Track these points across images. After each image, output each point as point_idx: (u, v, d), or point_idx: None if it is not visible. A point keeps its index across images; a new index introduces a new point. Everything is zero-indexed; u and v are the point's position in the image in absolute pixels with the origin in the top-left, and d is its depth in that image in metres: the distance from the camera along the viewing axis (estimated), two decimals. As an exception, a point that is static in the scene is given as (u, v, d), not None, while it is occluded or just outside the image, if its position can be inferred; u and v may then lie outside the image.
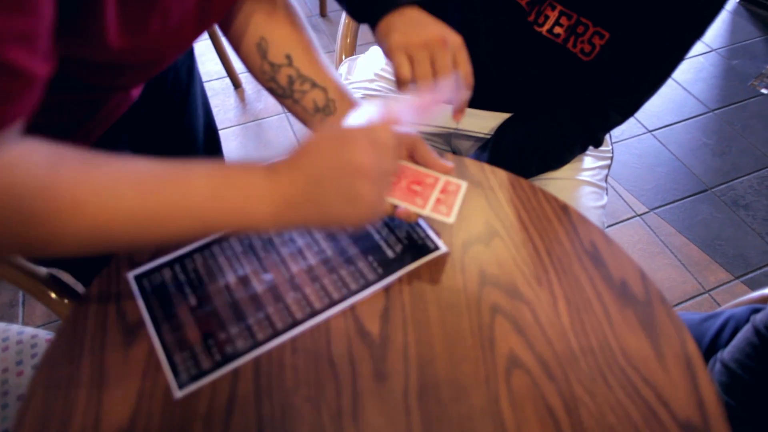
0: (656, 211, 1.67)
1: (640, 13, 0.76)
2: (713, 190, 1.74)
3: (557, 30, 0.79)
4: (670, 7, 0.75)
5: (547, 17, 0.78)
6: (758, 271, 1.54)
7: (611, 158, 1.01)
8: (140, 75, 0.63)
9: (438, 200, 0.61)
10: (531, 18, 0.79)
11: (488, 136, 0.97)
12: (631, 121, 1.94)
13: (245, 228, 0.47)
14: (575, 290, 0.64)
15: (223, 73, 2.02)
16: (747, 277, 1.52)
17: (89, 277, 0.75)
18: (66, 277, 0.83)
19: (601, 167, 0.98)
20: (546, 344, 0.59)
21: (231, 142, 1.83)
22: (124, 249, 0.63)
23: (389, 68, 1.01)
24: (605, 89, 0.85)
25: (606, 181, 0.98)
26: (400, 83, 0.64)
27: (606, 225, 0.95)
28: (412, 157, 0.63)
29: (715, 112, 2.00)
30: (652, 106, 2.00)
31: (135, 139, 0.77)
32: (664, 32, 0.77)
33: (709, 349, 0.79)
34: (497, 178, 0.76)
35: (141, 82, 0.70)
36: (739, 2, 2.52)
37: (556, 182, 0.93)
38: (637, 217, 1.65)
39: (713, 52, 2.26)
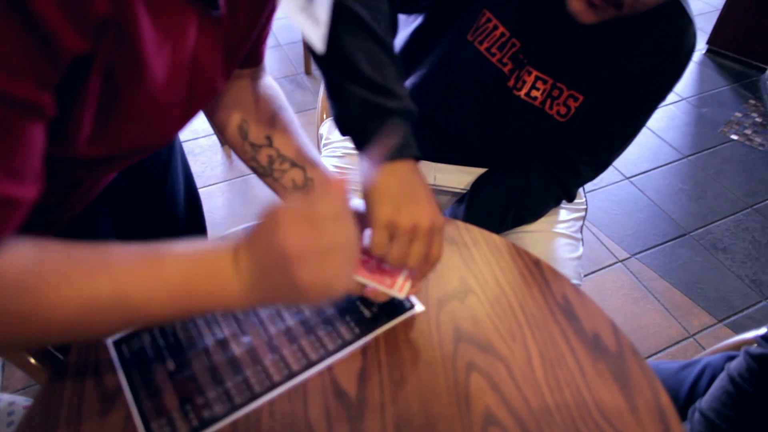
0: (637, 256, 1.70)
1: (611, 79, 0.81)
2: (692, 234, 1.78)
3: (534, 93, 0.84)
4: (638, 75, 0.80)
5: (524, 82, 0.83)
6: (740, 314, 1.55)
7: (585, 209, 1.04)
8: (116, 166, 0.65)
9: (407, 278, 0.62)
10: (510, 83, 0.84)
11: (464, 191, 1.00)
12: (609, 169, 1.99)
13: (218, 309, 0.48)
14: (549, 345, 0.65)
15: (210, 130, 2.06)
16: (730, 320, 1.54)
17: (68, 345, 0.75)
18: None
19: (575, 219, 1.01)
20: (521, 400, 0.60)
21: (217, 198, 1.86)
22: (107, 335, 0.64)
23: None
24: (577, 147, 0.89)
25: (581, 232, 1.01)
26: (371, 252, 0.59)
27: (583, 275, 0.97)
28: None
29: (689, 158, 2.07)
30: (628, 154, 2.06)
31: (115, 212, 0.79)
32: (633, 96, 0.82)
33: (688, 397, 0.79)
34: (471, 234, 0.78)
35: (118, 171, 0.72)
36: (705, 53, 2.65)
37: (531, 235, 0.95)
38: (619, 263, 1.67)
39: (684, 101, 2.35)
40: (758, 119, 2.25)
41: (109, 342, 0.64)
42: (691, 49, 0.79)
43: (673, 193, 1.92)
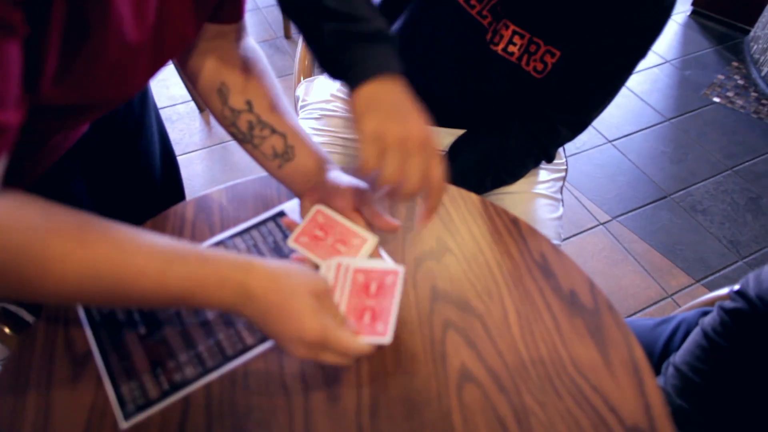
0: (618, 219, 1.71)
1: (588, 34, 0.78)
2: (672, 196, 1.79)
3: (511, 49, 0.81)
4: (616, 29, 0.78)
5: (502, 36, 0.81)
6: (717, 274, 1.58)
7: (566, 170, 1.03)
8: (86, 117, 0.62)
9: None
10: (488, 36, 0.82)
11: (443, 153, 0.99)
12: (591, 131, 1.99)
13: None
14: (525, 302, 0.65)
15: (188, 97, 2.01)
16: (707, 280, 1.56)
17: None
18: (22, 312, 0.81)
19: (555, 179, 1.00)
20: (497, 357, 0.60)
21: (197, 165, 1.82)
22: (96, 305, 0.63)
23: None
24: (555, 107, 0.87)
25: (561, 192, 1.01)
26: (361, 171, 0.56)
27: (563, 236, 0.96)
28: (358, 209, 0.64)
29: (671, 120, 2.07)
30: (611, 117, 2.05)
31: (87, 169, 0.76)
32: (611, 53, 0.80)
33: (663, 353, 0.80)
34: (448, 194, 0.77)
35: (88, 122, 0.69)
36: (689, 15, 2.62)
37: (511, 196, 0.95)
38: (600, 226, 1.68)
39: (667, 64, 2.33)
40: (740, 82, 2.25)
41: (79, 306, 0.63)
42: (671, 4, 0.77)
43: (655, 156, 1.92)
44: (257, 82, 0.69)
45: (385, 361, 0.59)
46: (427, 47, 0.86)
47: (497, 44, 0.82)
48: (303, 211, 0.66)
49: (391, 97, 0.57)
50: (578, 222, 1.69)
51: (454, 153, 0.94)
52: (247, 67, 0.69)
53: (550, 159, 0.94)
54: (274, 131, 0.68)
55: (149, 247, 0.47)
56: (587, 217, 1.70)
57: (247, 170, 1.79)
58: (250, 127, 0.68)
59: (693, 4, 2.61)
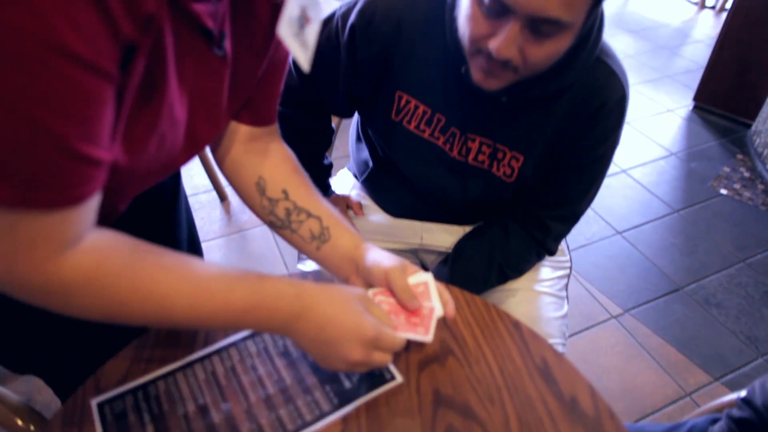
0: (631, 312, 1.70)
1: (542, 138, 0.83)
2: (684, 289, 1.78)
3: (481, 157, 0.87)
4: (565, 133, 0.82)
5: (469, 149, 0.86)
6: (737, 372, 1.54)
7: (570, 267, 1.06)
8: (131, 191, 0.68)
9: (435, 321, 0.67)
10: (453, 153, 0.87)
11: (449, 251, 1.02)
12: (600, 223, 2.03)
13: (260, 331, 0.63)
14: (527, 408, 0.65)
15: (210, 186, 2.11)
16: (726, 378, 1.52)
17: (62, 384, 0.75)
18: (39, 394, 0.83)
19: (559, 277, 1.02)
20: (498, 467, 0.60)
21: (215, 253, 1.88)
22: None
23: (361, 193, 1.10)
24: (539, 204, 0.92)
25: (566, 289, 1.03)
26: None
27: (568, 334, 0.97)
28: (389, 289, 0.68)
29: (680, 212, 2.10)
30: (619, 208, 2.09)
31: None
32: (574, 152, 0.84)
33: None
34: (453, 297, 0.79)
35: (130, 198, 0.75)
36: (692, 110, 2.73)
37: (515, 294, 0.97)
38: (613, 319, 1.67)
39: (673, 156, 2.40)
40: (746, 174, 2.30)
41: (94, 403, 0.65)
42: (617, 103, 0.80)
43: (664, 247, 1.94)
44: (291, 172, 0.76)
45: (386, 470, 0.59)
46: (406, 163, 0.93)
47: (466, 156, 0.87)
48: None
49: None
50: (590, 315, 1.68)
51: (458, 251, 0.98)
52: (280, 162, 0.76)
53: (551, 253, 0.97)
54: (310, 215, 0.74)
55: (217, 272, 0.57)
56: (599, 310, 1.70)
57: (263, 258, 1.85)
58: (287, 213, 0.75)
59: (695, 98, 2.72)
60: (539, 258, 0.98)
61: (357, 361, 0.59)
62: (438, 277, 0.95)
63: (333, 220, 0.75)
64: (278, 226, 0.76)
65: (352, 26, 0.81)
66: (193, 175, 2.19)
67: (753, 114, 2.51)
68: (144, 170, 0.58)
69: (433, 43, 0.80)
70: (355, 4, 0.82)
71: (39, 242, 0.46)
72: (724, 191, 2.20)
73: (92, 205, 0.49)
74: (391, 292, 0.67)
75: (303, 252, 0.76)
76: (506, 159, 0.86)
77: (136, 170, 0.57)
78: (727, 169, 2.32)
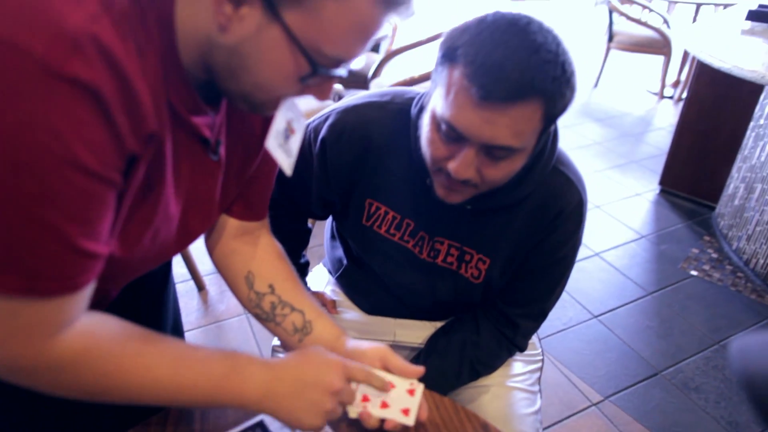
0: (611, 398, 1.69)
1: (505, 242, 0.87)
2: (663, 373, 1.79)
3: (450, 259, 0.91)
4: (526, 238, 0.86)
5: (438, 251, 0.90)
6: (721, 460, 1.51)
7: (542, 360, 1.07)
8: (124, 279, 0.71)
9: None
10: (423, 255, 0.91)
11: (422, 346, 1.03)
12: (576, 307, 2.05)
13: (236, 405, 0.63)
14: None
15: (188, 276, 2.11)
16: (711, 467, 1.50)
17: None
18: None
19: (531, 371, 1.03)
20: None
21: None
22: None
23: (336, 289, 1.12)
24: (507, 303, 0.95)
25: (539, 383, 1.03)
26: None
27: (542, 429, 0.97)
28: (386, 367, 0.73)
29: (653, 294, 2.14)
30: (594, 292, 2.13)
31: None
32: (532, 257, 0.88)
33: None
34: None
35: (123, 285, 0.77)
36: (658, 193, 2.85)
37: (487, 390, 0.97)
38: (593, 407, 1.66)
39: (643, 239, 2.48)
40: (714, 255, 2.37)
41: None
42: (574, 209, 0.85)
43: (641, 330, 1.96)
44: (278, 267, 0.82)
45: None
46: (377, 264, 0.97)
47: (435, 257, 0.91)
48: None
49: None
50: (570, 403, 1.67)
51: (431, 347, 0.99)
52: (268, 257, 0.81)
53: (521, 349, 0.99)
54: (293, 309, 0.79)
55: (195, 346, 0.63)
56: (579, 398, 1.68)
57: (239, 350, 1.81)
58: (272, 307, 0.80)
59: (660, 182, 2.86)
60: (510, 354, 0.99)
61: (338, 389, 0.64)
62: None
63: (315, 313, 0.80)
64: (263, 318, 0.80)
65: (323, 139, 0.87)
66: (173, 264, 2.20)
67: (715, 197, 2.63)
68: (137, 261, 0.62)
69: (400, 155, 0.86)
70: (326, 119, 0.89)
71: (36, 326, 0.51)
72: (694, 272, 2.27)
73: (87, 292, 0.54)
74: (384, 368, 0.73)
75: (287, 343, 0.80)
76: (473, 261, 0.89)
77: (130, 261, 0.61)
78: (695, 251, 2.40)
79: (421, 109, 0.81)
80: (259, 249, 0.82)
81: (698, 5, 4.09)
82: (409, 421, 0.70)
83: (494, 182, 0.74)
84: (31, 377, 0.54)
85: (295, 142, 0.65)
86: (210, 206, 0.70)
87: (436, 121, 0.73)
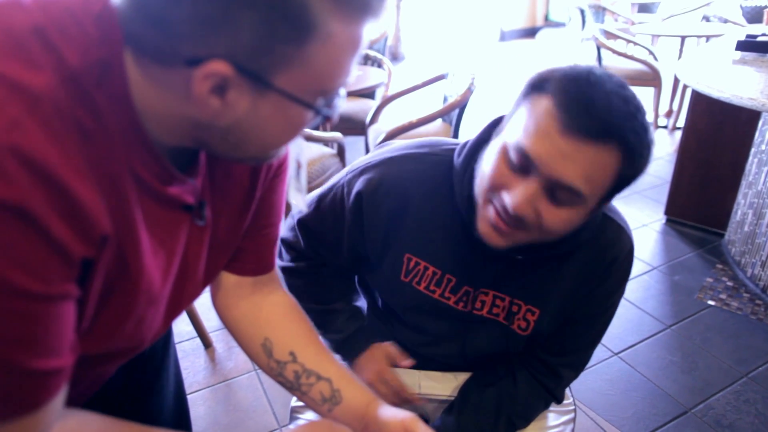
0: (642, 442, 1.61)
1: (556, 292, 0.84)
2: (693, 411, 1.71)
3: (495, 311, 0.87)
4: (578, 287, 0.84)
5: (483, 302, 0.86)
6: (766, 503, 1.43)
7: (574, 410, 1.02)
8: (116, 362, 0.66)
9: None
10: (468, 308, 0.87)
11: (451, 398, 0.98)
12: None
13: None
14: None
15: (194, 333, 2.05)
16: None
17: None
18: None
19: (564, 423, 0.98)
20: None
21: (200, 407, 1.78)
22: None
23: None
24: (551, 353, 0.91)
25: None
26: None
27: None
28: None
29: (672, 327, 2.08)
30: (613, 329, 2.06)
31: (106, 408, 0.77)
32: (582, 307, 0.86)
33: None
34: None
35: (120, 364, 0.73)
36: (665, 223, 2.83)
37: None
38: (625, 452, 1.58)
39: (655, 270, 2.44)
40: (729, 283, 2.33)
41: None
42: (626, 257, 0.83)
43: (664, 366, 1.90)
44: (297, 330, 0.77)
45: None
46: (411, 320, 0.93)
47: (480, 309, 0.87)
48: None
49: None
50: (600, 449, 1.59)
51: (464, 399, 0.94)
52: (285, 319, 0.77)
53: (559, 401, 0.94)
54: (320, 378, 0.74)
55: None
56: (609, 442, 1.61)
57: (251, 410, 1.75)
58: (296, 376, 0.74)
59: (666, 212, 2.84)
60: (546, 406, 0.94)
61: None
62: (443, 427, 0.90)
63: (344, 380, 0.75)
64: (288, 387, 0.76)
65: (359, 192, 0.84)
66: (177, 323, 2.14)
67: (723, 224, 2.61)
68: (124, 348, 0.58)
69: (440, 207, 0.83)
70: (361, 173, 0.86)
71: None
72: (711, 302, 2.21)
73: (56, 402, 0.49)
74: None
75: (315, 411, 0.75)
76: (521, 312, 0.86)
77: (115, 347, 0.57)
78: (710, 280, 2.36)
79: (471, 155, 0.79)
80: (274, 310, 0.78)
81: (683, 38, 4.19)
82: None
83: (548, 231, 0.70)
84: None
85: (304, 176, 0.65)
86: (196, 273, 0.65)
87: (505, 150, 0.69)
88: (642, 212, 2.95)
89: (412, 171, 0.84)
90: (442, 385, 1.01)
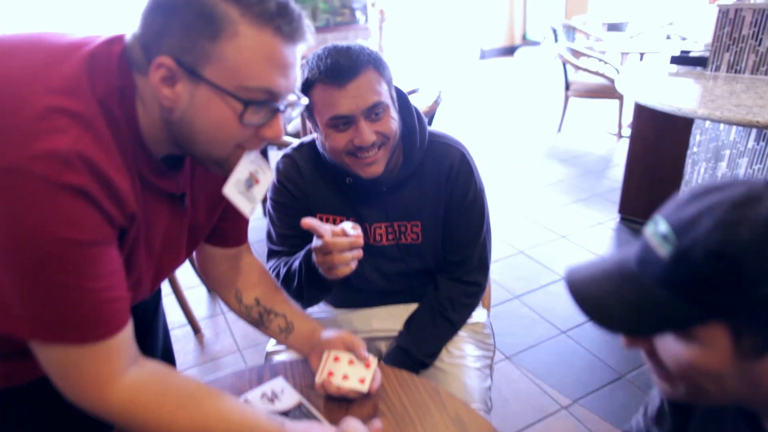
0: (580, 401, 1.83)
1: (429, 205, 1.12)
2: (627, 377, 1.94)
3: (391, 237, 1.14)
4: (435, 195, 1.12)
5: (381, 235, 1.13)
6: (681, 449, 1.65)
7: (493, 350, 1.25)
8: None
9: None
10: (372, 242, 1.14)
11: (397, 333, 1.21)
12: (545, 325, 2.22)
13: None
14: (442, 450, 0.81)
15: (185, 321, 2.27)
16: (672, 455, 1.63)
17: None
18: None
19: (484, 356, 1.20)
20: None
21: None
22: None
23: None
24: (448, 254, 1.17)
25: (490, 369, 1.20)
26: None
27: (491, 404, 1.13)
28: (349, 348, 0.94)
29: (616, 310, 2.31)
30: (561, 311, 2.30)
31: None
32: (448, 210, 1.13)
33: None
34: (386, 376, 0.97)
35: None
36: (619, 221, 3.08)
37: (443, 370, 1.14)
38: (563, 410, 1.80)
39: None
40: (671, 271, 2.57)
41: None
42: (461, 161, 1.11)
43: (606, 341, 2.12)
44: (260, 284, 1.02)
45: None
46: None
47: (380, 241, 1.14)
48: (313, 365, 0.95)
49: None
50: (541, 408, 1.81)
51: (408, 324, 1.19)
52: (251, 275, 1.02)
53: (477, 284, 1.20)
54: (277, 315, 1.00)
55: (233, 421, 0.74)
56: (549, 403, 1.83)
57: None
58: (260, 315, 1.01)
59: (620, 211, 3.09)
60: (469, 297, 1.18)
61: None
62: (399, 352, 1.15)
63: (295, 315, 1.01)
64: (254, 324, 1.02)
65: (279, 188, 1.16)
66: (169, 312, 2.34)
67: (669, 220, 2.85)
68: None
69: (324, 173, 1.13)
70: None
71: (94, 374, 0.67)
72: (653, 288, 2.45)
73: (127, 334, 0.69)
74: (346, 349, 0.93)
75: (276, 340, 1.03)
76: (408, 230, 1.13)
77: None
78: (654, 269, 2.59)
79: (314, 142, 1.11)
80: (243, 269, 1.02)
81: (641, 54, 4.50)
82: (364, 388, 0.89)
83: (388, 134, 1.00)
84: (98, 415, 0.70)
85: (260, 192, 0.77)
86: (180, 247, 0.87)
87: (325, 126, 0.99)
88: (599, 212, 3.20)
89: (294, 165, 1.15)
90: (392, 321, 1.23)
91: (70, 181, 0.58)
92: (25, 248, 0.59)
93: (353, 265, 0.93)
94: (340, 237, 0.91)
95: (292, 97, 0.71)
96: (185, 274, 2.54)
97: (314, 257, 0.96)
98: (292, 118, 0.91)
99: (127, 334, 0.70)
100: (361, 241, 0.92)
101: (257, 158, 0.75)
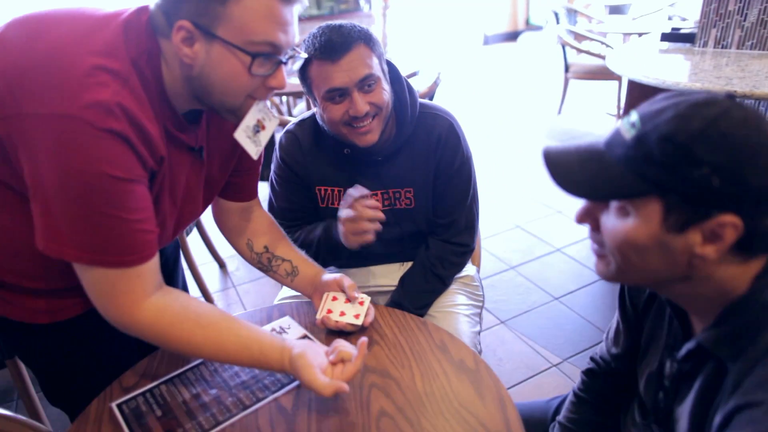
0: (569, 360, 1.94)
1: (420, 172, 1.21)
2: (615, 338, 2.04)
3: (387, 203, 1.23)
4: (426, 162, 1.20)
5: (378, 202, 1.21)
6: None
7: (483, 301, 1.35)
8: None
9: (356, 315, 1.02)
10: None
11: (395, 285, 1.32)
12: (539, 292, 2.33)
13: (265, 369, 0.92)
14: (427, 369, 0.92)
15: (199, 293, 2.40)
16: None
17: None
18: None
19: (473, 305, 1.31)
20: (405, 401, 0.86)
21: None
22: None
23: None
24: (438, 217, 1.26)
25: (479, 317, 1.31)
26: None
27: (480, 348, 1.24)
28: (343, 289, 1.05)
29: (608, 278, 2.41)
30: (556, 279, 2.41)
31: None
32: (438, 175, 1.22)
33: (553, 417, 1.03)
34: (380, 311, 1.09)
35: None
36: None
37: (434, 316, 1.25)
38: (554, 367, 1.91)
39: (600, 234, 2.78)
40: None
41: (113, 405, 0.89)
42: (449, 130, 1.19)
43: (597, 307, 2.23)
44: (268, 233, 1.14)
45: (328, 413, 0.85)
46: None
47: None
48: (316, 304, 1.07)
49: None
50: (533, 366, 1.92)
51: (402, 280, 1.29)
52: (261, 225, 1.13)
53: (466, 245, 1.29)
54: (283, 260, 1.12)
55: (242, 336, 0.85)
56: (540, 361, 1.94)
57: (254, 306, 2.08)
58: (268, 260, 1.12)
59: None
60: (457, 256, 1.28)
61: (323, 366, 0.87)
62: (395, 301, 1.26)
63: (300, 260, 1.12)
64: (264, 269, 1.13)
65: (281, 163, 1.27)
66: (198, 252, 2.58)
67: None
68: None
69: (321, 149, 1.22)
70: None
71: (128, 293, 0.79)
72: (644, 258, 2.54)
73: (154, 264, 0.81)
74: (342, 291, 1.05)
75: (283, 284, 1.14)
76: (402, 196, 1.23)
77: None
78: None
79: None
80: (254, 221, 1.14)
81: (640, 35, 4.55)
82: (359, 322, 1.00)
83: (383, 103, 1.08)
84: (129, 332, 0.82)
85: (265, 136, 0.89)
86: (198, 198, 0.98)
87: (323, 99, 1.07)
88: (596, 189, 3.29)
89: (294, 142, 1.24)
90: (390, 277, 1.34)
91: (111, 126, 0.70)
92: (75, 181, 0.70)
93: (372, 236, 1.07)
94: (368, 206, 1.05)
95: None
96: (199, 251, 2.67)
97: (340, 228, 1.09)
98: (293, 71, 1.01)
99: (154, 264, 0.81)
100: (381, 214, 1.05)
101: (264, 107, 0.86)
